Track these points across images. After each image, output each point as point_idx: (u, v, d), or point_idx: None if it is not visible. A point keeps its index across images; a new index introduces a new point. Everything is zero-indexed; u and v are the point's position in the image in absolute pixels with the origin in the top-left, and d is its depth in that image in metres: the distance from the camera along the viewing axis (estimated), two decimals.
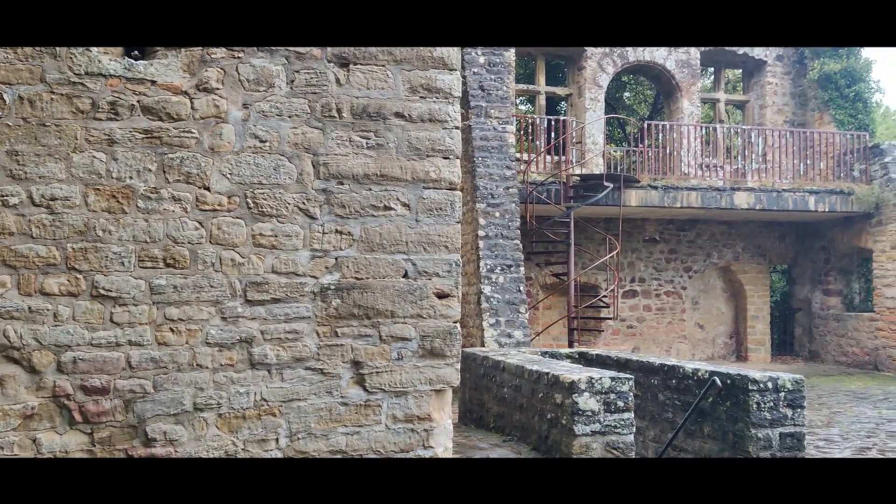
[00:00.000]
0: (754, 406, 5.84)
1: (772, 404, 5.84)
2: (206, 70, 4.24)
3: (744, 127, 16.51)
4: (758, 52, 16.89)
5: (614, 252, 14.06)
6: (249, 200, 4.27)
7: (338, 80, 4.42)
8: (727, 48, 16.56)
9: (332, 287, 4.35)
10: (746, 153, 16.60)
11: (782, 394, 5.87)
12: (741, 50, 16.72)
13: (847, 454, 7.78)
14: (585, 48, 15.79)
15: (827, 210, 15.11)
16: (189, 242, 4.18)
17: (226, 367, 4.22)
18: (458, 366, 4.61)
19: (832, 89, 16.29)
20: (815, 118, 16.83)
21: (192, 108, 4.21)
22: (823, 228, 16.96)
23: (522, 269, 12.06)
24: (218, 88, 4.25)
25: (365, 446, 4.38)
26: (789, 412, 5.88)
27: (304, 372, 4.31)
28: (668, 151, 15.56)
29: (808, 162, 15.83)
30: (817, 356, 17.21)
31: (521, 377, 6.56)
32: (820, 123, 16.66)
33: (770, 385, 5.88)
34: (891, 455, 7.77)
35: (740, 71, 18.21)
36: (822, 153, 15.84)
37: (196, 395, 4.17)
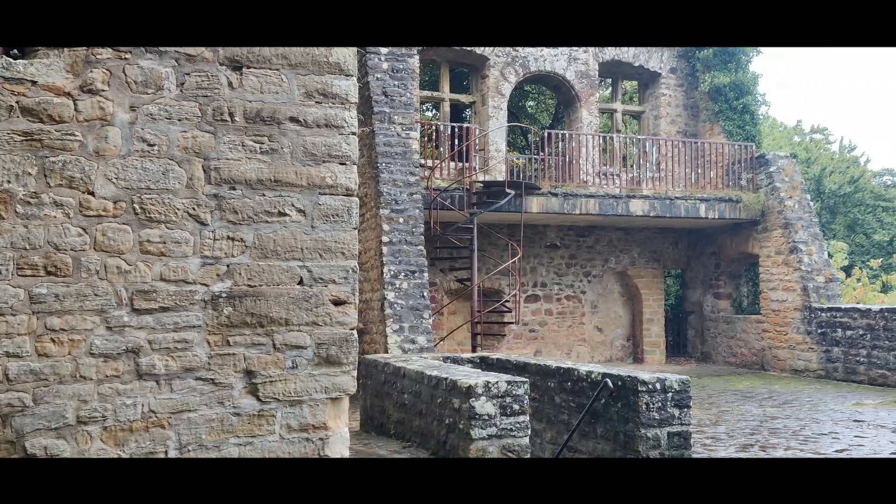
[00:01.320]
0: (643, 407, 6.05)
1: (660, 404, 6.07)
2: (91, 71, 4.10)
3: (639, 137, 17.08)
4: (653, 65, 17.51)
5: (516, 257, 14.29)
6: (137, 206, 4.14)
7: (230, 84, 4.34)
8: (623, 60, 17.12)
9: (224, 295, 4.27)
10: (642, 162, 17.19)
11: (670, 394, 6.10)
12: (637, 62, 17.30)
13: (732, 452, 8.14)
14: (488, 57, 16.02)
15: (717, 217, 15.79)
16: (72, 249, 4.02)
17: (111, 378, 4.08)
18: (355, 373, 4.60)
19: (722, 101, 17.05)
20: (707, 129, 17.58)
21: (76, 110, 4.06)
22: (714, 234, 17.72)
23: (426, 274, 12.12)
24: (103, 90, 4.11)
25: (258, 457, 4.31)
26: (676, 412, 6.12)
27: (195, 382, 4.21)
28: (568, 159, 15.94)
29: (700, 171, 16.51)
30: (709, 357, 17.95)
31: (420, 383, 6.59)
32: (711, 134, 17.41)
33: (658, 386, 6.10)
34: (772, 451, 8.18)
35: (636, 82, 18.83)
36: (712, 162, 16.55)
37: (79, 407, 4.01)
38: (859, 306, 14.14)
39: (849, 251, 22.25)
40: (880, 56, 68.62)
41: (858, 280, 19.35)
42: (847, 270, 21.48)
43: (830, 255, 18.80)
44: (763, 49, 18.48)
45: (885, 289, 19.78)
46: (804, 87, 64.35)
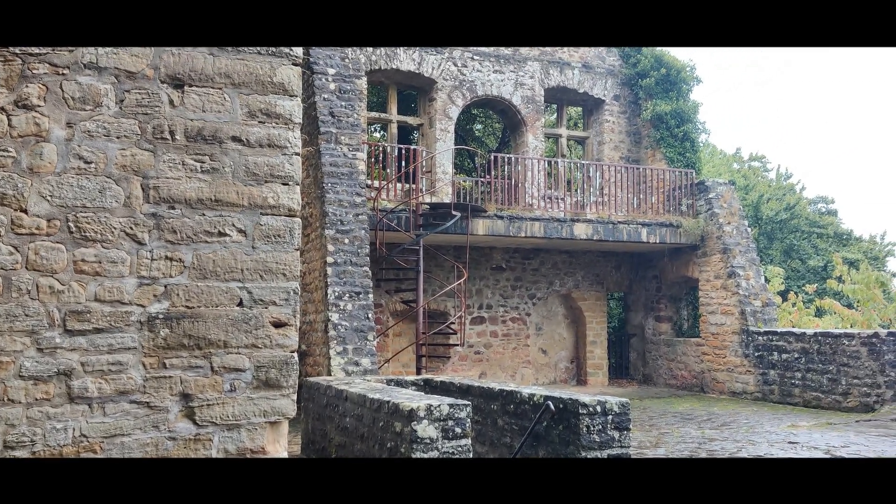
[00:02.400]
0: (584, 429, 6.10)
1: (600, 427, 6.13)
2: (27, 86, 4.01)
3: (583, 162, 17.36)
4: (597, 92, 17.85)
5: (462, 279, 14.34)
6: (72, 224, 4.05)
7: (171, 102, 4.29)
8: (569, 87, 17.42)
9: (161, 316, 4.19)
10: (586, 186, 17.46)
11: (610, 417, 6.17)
12: (582, 89, 17.62)
13: None
14: (436, 81, 16.14)
15: (658, 241, 16.11)
16: (2, 268, 3.90)
17: (41, 401, 3.95)
18: (295, 396, 4.54)
19: (663, 129, 17.46)
20: (648, 155, 17.96)
21: (10, 125, 3.96)
22: (655, 258, 18.05)
23: (371, 296, 12.06)
24: (39, 106, 4.02)
25: None
26: (616, 434, 6.19)
27: (129, 405, 4.11)
28: (514, 183, 16.10)
29: (642, 196, 16.84)
30: (650, 379, 18.21)
31: (363, 406, 6.54)
32: (652, 160, 17.79)
33: (599, 409, 6.17)
34: None
35: (581, 108, 19.16)
36: (654, 188, 16.90)
37: (6, 432, 3.88)
38: (794, 330, 14.53)
39: (785, 276, 22.90)
40: (818, 86, 71.17)
41: (794, 304, 19.92)
42: (783, 295, 22.11)
43: (767, 280, 19.32)
44: (703, 78, 19.04)
45: (820, 313, 20.40)
46: (744, 116, 66.33)
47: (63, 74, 4.07)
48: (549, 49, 17.36)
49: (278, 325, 4.46)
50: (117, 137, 4.15)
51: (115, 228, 4.12)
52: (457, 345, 14.65)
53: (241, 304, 4.37)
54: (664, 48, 17.78)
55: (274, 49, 4.54)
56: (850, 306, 19.57)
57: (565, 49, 17.53)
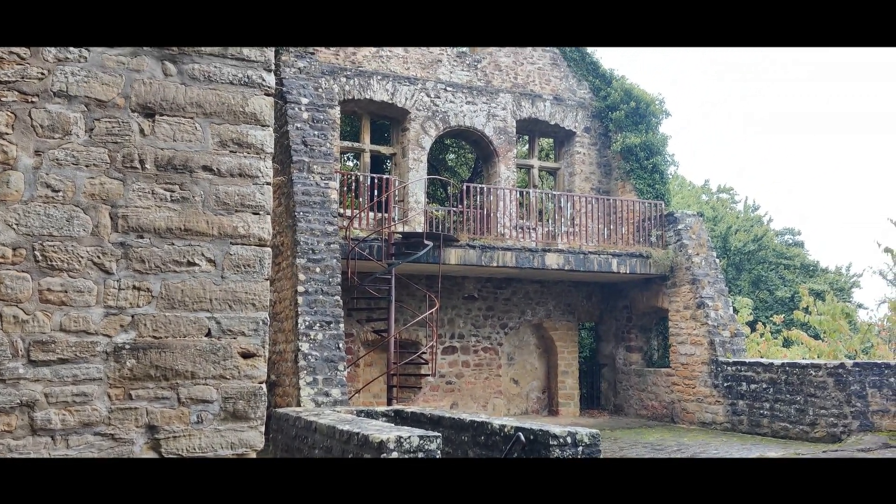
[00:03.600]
0: None
1: (571, 458, 6.12)
2: None
3: (555, 192, 17.51)
4: (568, 124, 18.07)
5: (434, 309, 14.33)
6: (38, 253, 4.00)
7: (142, 131, 4.27)
8: (540, 119, 17.62)
9: (128, 346, 4.14)
10: (557, 217, 17.60)
11: (580, 448, 6.17)
12: (553, 120, 17.83)
13: None
14: (409, 111, 16.24)
15: (628, 272, 16.24)
16: None
17: (2, 433, 3.87)
18: (263, 428, 4.49)
19: (633, 161, 17.69)
20: (619, 186, 18.17)
21: None
22: (626, 289, 18.19)
23: (342, 325, 12.01)
24: (7, 133, 3.99)
25: None
26: None
27: (93, 437, 4.04)
28: (486, 212, 16.18)
29: (612, 227, 17.00)
30: (621, 409, 18.25)
31: (332, 437, 6.48)
32: (622, 191, 17.99)
33: (569, 440, 6.17)
34: None
35: (553, 140, 19.37)
36: (624, 219, 17.08)
37: None
38: (763, 361, 14.68)
39: (753, 307, 23.15)
40: (783, 120, 72.69)
41: (762, 335, 20.14)
42: (752, 325, 22.33)
43: (736, 311, 19.52)
44: (672, 112, 19.34)
45: (787, 344, 20.63)
46: (712, 147, 67.47)
47: (32, 102, 4.05)
48: (520, 81, 17.58)
49: (247, 355, 4.43)
50: (86, 166, 4.12)
51: (82, 257, 4.08)
52: (428, 375, 14.60)
53: (209, 334, 4.33)
54: (633, 83, 18.09)
55: (247, 79, 4.55)
56: (816, 337, 19.82)
57: (537, 81, 17.76)
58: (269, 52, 4.66)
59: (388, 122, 17.56)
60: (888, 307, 19.43)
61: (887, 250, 18.74)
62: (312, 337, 11.55)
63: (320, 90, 13.78)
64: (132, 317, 4.16)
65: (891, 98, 65.61)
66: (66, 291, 4.03)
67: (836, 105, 72.93)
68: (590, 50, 18.49)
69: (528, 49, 17.67)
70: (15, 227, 3.96)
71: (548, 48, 17.91)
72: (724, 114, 74.55)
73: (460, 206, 15.98)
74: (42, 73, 4.07)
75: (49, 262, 4.01)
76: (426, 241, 13.63)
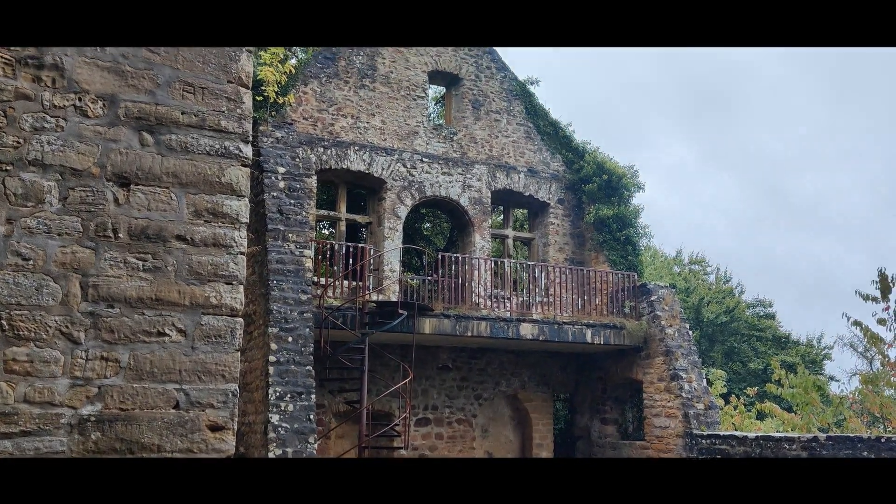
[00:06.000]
0: None
1: None
2: None
3: (529, 262, 17.63)
4: (542, 195, 18.31)
5: (407, 379, 14.18)
6: (4, 322, 3.93)
7: (116, 200, 4.27)
8: (515, 190, 17.85)
9: (93, 419, 4.04)
10: (531, 287, 17.66)
11: None
12: (528, 192, 18.06)
13: None
14: (385, 181, 16.39)
15: (602, 343, 16.25)
16: None
17: None
18: None
19: (606, 232, 17.89)
20: (592, 257, 18.33)
21: None
22: (600, 360, 18.16)
23: (314, 396, 11.84)
24: None
25: None
26: None
27: None
28: (461, 282, 16.21)
29: (586, 297, 17.08)
30: None
31: None
32: (596, 262, 18.14)
33: None
34: None
35: (527, 211, 19.59)
36: (597, 290, 17.17)
37: None
38: (737, 434, 14.63)
39: (727, 379, 23.20)
40: (749, 190, 74.32)
41: (736, 408, 20.11)
42: (725, 398, 22.32)
43: (710, 383, 19.52)
44: (646, 184, 19.69)
45: (761, 416, 20.62)
46: (684, 219, 68.61)
47: (6, 171, 4.04)
48: (495, 154, 17.85)
49: (215, 428, 4.34)
50: (58, 234, 4.10)
51: (49, 327, 4.01)
52: (401, 447, 14.36)
53: (177, 406, 4.25)
54: (606, 156, 18.43)
55: (224, 150, 4.58)
56: (790, 409, 19.84)
57: (511, 154, 18.04)
58: (247, 124, 4.71)
59: (364, 191, 17.69)
60: (860, 380, 19.55)
61: (856, 323, 18.94)
62: (283, 408, 11.35)
63: (297, 159, 13.89)
64: (99, 388, 4.08)
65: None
66: (31, 362, 3.96)
67: (792, 178, 74.70)
68: (563, 124, 18.88)
69: (504, 122, 18.02)
70: None
71: (521, 123, 18.28)
72: (698, 180, 76.04)
73: (435, 276, 16.01)
74: (18, 142, 4.07)
75: (16, 332, 3.95)
76: (400, 311, 13.59)
